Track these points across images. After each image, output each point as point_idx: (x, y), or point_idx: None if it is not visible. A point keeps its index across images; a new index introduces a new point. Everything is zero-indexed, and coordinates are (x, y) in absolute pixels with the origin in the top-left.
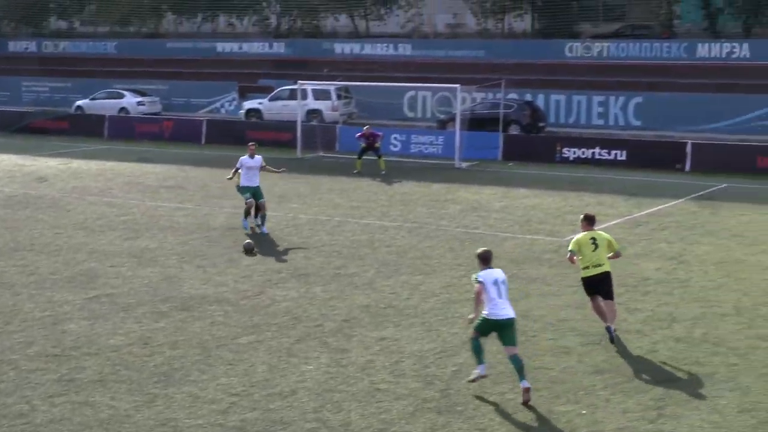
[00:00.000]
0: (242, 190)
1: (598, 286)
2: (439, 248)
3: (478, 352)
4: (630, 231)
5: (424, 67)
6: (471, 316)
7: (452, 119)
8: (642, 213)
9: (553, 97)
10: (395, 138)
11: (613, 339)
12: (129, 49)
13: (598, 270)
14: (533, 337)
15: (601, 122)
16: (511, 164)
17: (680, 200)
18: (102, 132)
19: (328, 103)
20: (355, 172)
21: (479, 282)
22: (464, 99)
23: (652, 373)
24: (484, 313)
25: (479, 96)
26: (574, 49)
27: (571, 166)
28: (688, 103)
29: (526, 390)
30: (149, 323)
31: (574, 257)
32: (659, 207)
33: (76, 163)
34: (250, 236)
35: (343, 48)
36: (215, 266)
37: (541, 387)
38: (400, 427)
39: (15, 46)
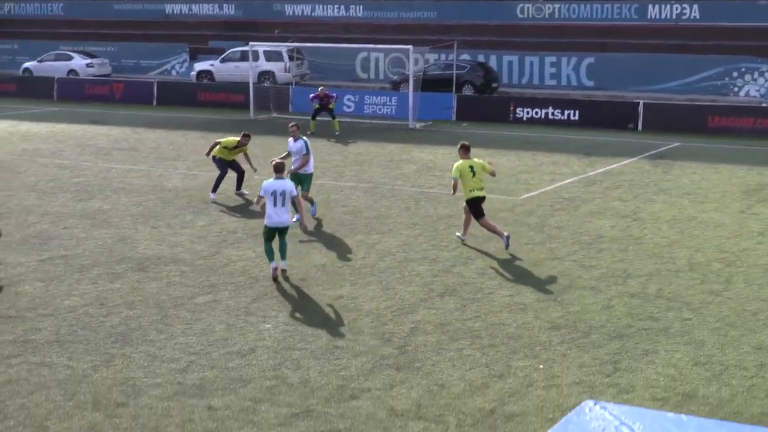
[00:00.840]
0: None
1: (481, 206)
2: (395, 208)
3: None
4: (584, 189)
5: (377, 29)
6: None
7: (405, 80)
8: (596, 172)
9: (506, 58)
10: (348, 99)
11: (509, 246)
12: (77, 10)
13: (481, 192)
14: (490, 294)
15: (553, 83)
16: (464, 125)
17: (633, 159)
18: (51, 94)
19: (280, 64)
20: (309, 133)
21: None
22: (417, 60)
23: (607, 328)
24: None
25: (432, 57)
26: (526, 10)
27: (525, 126)
28: (639, 63)
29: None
30: (105, 284)
31: (458, 183)
32: (613, 166)
33: (26, 126)
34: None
35: (294, 9)
36: (170, 227)
37: (498, 342)
38: (359, 384)
39: None
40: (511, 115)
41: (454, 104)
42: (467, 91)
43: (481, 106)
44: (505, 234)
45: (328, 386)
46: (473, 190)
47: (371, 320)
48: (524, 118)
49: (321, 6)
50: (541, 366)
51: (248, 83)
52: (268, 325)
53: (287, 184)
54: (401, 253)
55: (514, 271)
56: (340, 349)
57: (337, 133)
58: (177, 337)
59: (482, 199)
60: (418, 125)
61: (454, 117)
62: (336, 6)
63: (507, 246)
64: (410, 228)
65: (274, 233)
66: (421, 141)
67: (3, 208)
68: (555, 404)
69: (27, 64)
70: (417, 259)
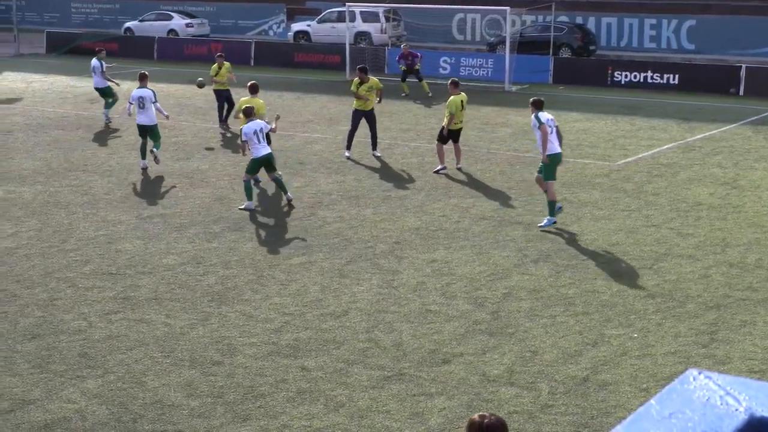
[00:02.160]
0: None
1: (457, 136)
2: (490, 171)
3: None
4: (683, 155)
5: None
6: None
7: (502, 42)
8: (695, 138)
9: (605, 20)
10: (444, 61)
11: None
12: None
13: (461, 125)
14: (584, 260)
15: (653, 45)
16: (561, 88)
17: (734, 125)
18: (151, 54)
19: (376, 25)
20: (403, 95)
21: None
22: (514, 22)
23: (704, 297)
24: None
25: (529, 19)
26: None
27: (623, 90)
28: (742, 26)
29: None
30: (202, 243)
31: (453, 117)
32: (712, 132)
33: (126, 85)
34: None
35: None
36: (266, 187)
37: (592, 310)
38: (451, 348)
39: None
40: (609, 79)
41: (551, 67)
42: (564, 53)
43: (578, 69)
44: (441, 165)
45: (420, 350)
46: (458, 123)
47: (464, 285)
48: (622, 82)
49: None
50: (636, 335)
51: (344, 44)
52: (362, 288)
53: (261, 123)
54: (496, 218)
55: (610, 237)
56: (433, 313)
57: (429, 94)
58: (272, 297)
59: (460, 129)
60: (514, 88)
61: (550, 80)
62: None
63: (437, 171)
64: (505, 192)
65: (263, 164)
66: (517, 104)
67: (104, 167)
68: (649, 374)
69: (128, 24)
70: (512, 224)
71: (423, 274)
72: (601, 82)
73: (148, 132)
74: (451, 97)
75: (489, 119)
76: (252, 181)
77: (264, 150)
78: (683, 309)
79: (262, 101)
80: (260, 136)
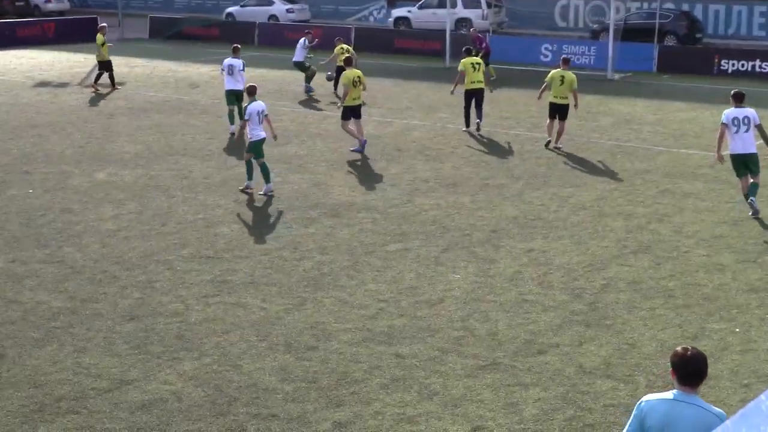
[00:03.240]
0: None
1: (558, 112)
2: (590, 161)
3: None
4: None
5: None
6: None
7: (605, 29)
8: None
9: (712, 7)
10: (546, 48)
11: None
12: None
13: (563, 100)
14: (686, 252)
15: (762, 33)
16: (665, 76)
17: None
18: (252, 39)
19: (478, 11)
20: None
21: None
22: (618, 9)
23: None
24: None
25: (633, 6)
26: None
27: (730, 79)
28: None
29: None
30: (299, 228)
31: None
32: None
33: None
34: None
35: None
36: (363, 174)
37: (693, 303)
38: (547, 339)
39: None
40: (716, 68)
41: (656, 55)
42: (670, 41)
43: (683, 58)
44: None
45: (515, 340)
46: (558, 97)
47: (562, 275)
48: (729, 71)
49: None
50: (738, 330)
51: (445, 30)
52: (458, 276)
53: (263, 105)
54: (595, 208)
55: (712, 229)
56: (529, 302)
57: (493, 78)
58: (367, 283)
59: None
60: (616, 76)
61: (654, 68)
62: None
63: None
64: (605, 182)
65: (260, 147)
66: (620, 93)
67: (205, 151)
68: (751, 370)
69: (230, 9)
70: (611, 214)
71: (520, 264)
72: (707, 71)
73: (237, 97)
74: (551, 72)
75: (590, 108)
76: (253, 161)
77: (261, 133)
78: None
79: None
80: (261, 117)
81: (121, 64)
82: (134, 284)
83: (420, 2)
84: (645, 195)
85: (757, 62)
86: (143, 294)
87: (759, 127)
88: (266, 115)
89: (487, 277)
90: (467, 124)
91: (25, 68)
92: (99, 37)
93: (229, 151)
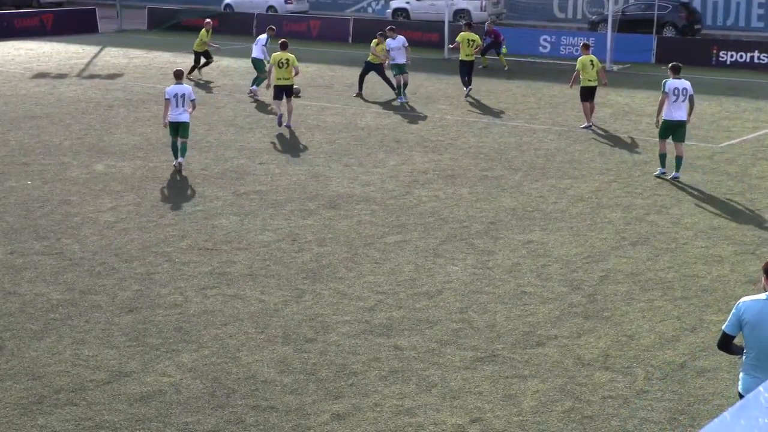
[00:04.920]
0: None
1: (591, 94)
2: (589, 152)
3: None
4: None
5: None
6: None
7: (604, 20)
8: None
9: None
10: (544, 39)
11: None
12: None
13: (594, 83)
14: (684, 244)
15: (761, 25)
16: (664, 68)
17: None
18: (251, 30)
19: (476, 2)
20: (480, 67)
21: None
22: None
23: None
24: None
25: None
26: None
27: (728, 71)
28: None
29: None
30: (297, 220)
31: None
32: None
33: (225, 61)
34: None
35: None
36: (362, 165)
37: (691, 295)
38: (545, 331)
39: None
40: (714, 59)
41: (654, 46)
42: (668, 32)
43: (682, 49)
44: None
45: (514, 332)
46: (591, 80)
47: (560, 266)
48: (728, 62)
49: None
50: None
51: (443, 22)
52: (456, 268)
53: (186, 88)
54: (593, 199)
55: (711, 221)
56: (527, 294)
57: (506, 68)
58: (366, 275)
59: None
60: (615, 67)
61: (653, 60)
62: None
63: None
64: (604, 173)
65: (176, 128)
66: (618, 84)
67: (203, 143)
68: None
69: (228, 0)
70: (610, 206)
71: (518, 255)
72: (705, 62)
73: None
74: (580, 57)
75: None
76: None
77: (180, 116)
78: None
79: (292, 55)
80: (179, 100)
81: (119, 56)
82: (133, 276)
83: None
84: (643, 186)
85: (756, 53)
86: (142, 286)
87: (691, 98)
88: (192, 100)
89: (486, 268)
90: (465, 86)
91: (24, 59)
92: (204, 32)
93: (227, 144)
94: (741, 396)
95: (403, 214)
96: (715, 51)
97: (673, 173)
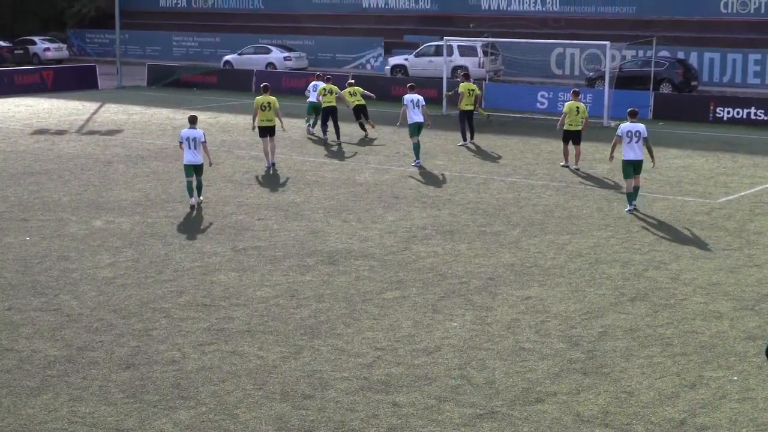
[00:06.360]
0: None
1: (573, 137)
2: (587, 208)
3: None
4: None
5: (572, 23)
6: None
7: (601, 77)
8: None
9: (707, 55)
10: (542, 96)
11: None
12: (276, 4)
13: (576, 127)
14: (683, 300)
15: (757, 81)
16: (661, 124)
17: None
18: (250, 86)
19: (474, 59)
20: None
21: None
22: (614, 56)
23: None
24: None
25: (629, 54)
26: (730, 5)
27: (725, 127)
28: None
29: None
30: (296, 276)
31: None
32: None
33: (225, 117)
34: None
35: (490, 3)
36: (360, 221)
37: (690, 351)
38: (544, 387)
39: (165, 1)
40: (711, 115)
41: (651, 102)
42: (665, 89)
43: (679, 105)
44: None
45: (513, 388)
46: (573, 125)
47: (559, 323)
48: (725, 118)
49: (517, 0)
50: (736, 378)
51: (441, 78)
52: (455, 324)
53: (197, 132)
54: (592, 255)
55: (710, 277)
56: (526, 351)
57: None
58: (364, 331)
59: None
60: (612, 124)
61: (650, 116)
62: (532, 0)
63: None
64: (602, 229)
65: (192, 171)
66: None
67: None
68: (749, 418)
69: (228, 57)
70: (608, 262)
71: (517, 311)
72: (702, 118)
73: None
74: (568, 102)
75: (587, 155)
76: (193, 183)
77: (192, 158)
78: None
79: (274, 98)
80: (191, 143)
81: (118, 112)
82: (131, 332)
83: (417, 50)
84: (642, 242)
85: (752, 110)
86: (140, 342)
87: (646, 140)
88: (203, 143)
89: (485, 324)
90: (464, 139)
91: (24, 116)
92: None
93: (225, 200)
94: None
95: (401, 269)
96: (712, 107)
97: (633, 203)
